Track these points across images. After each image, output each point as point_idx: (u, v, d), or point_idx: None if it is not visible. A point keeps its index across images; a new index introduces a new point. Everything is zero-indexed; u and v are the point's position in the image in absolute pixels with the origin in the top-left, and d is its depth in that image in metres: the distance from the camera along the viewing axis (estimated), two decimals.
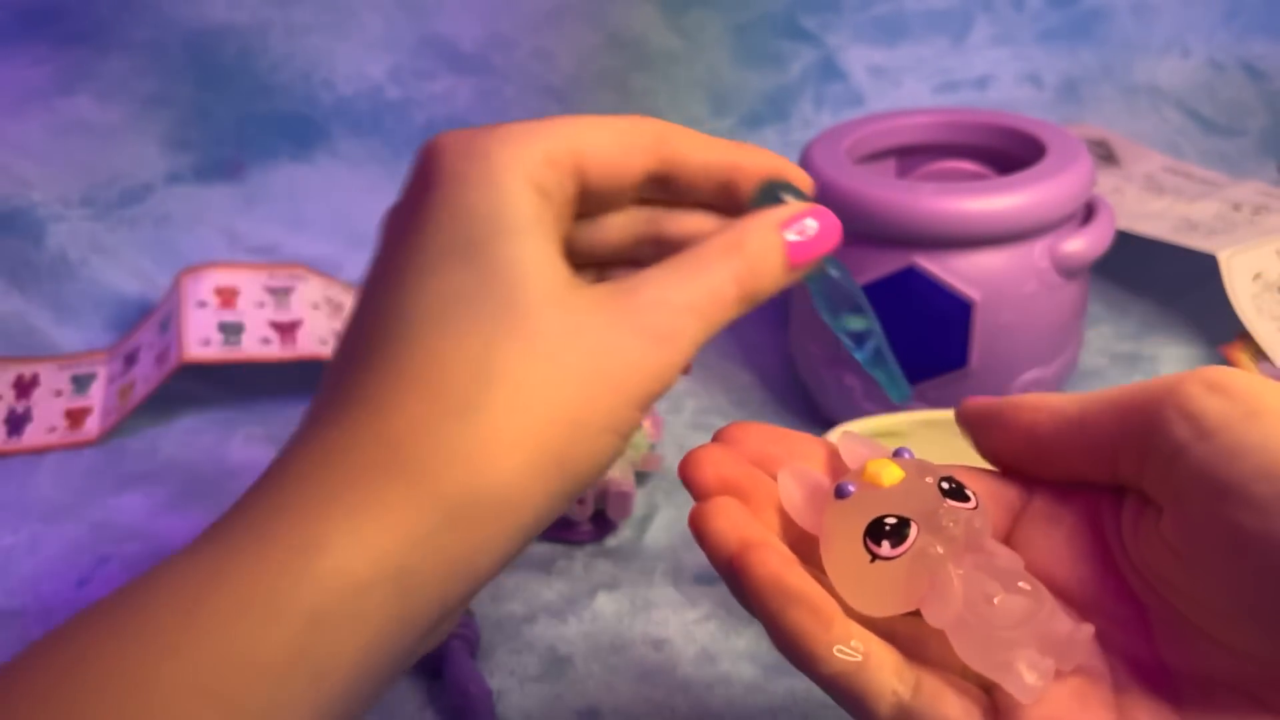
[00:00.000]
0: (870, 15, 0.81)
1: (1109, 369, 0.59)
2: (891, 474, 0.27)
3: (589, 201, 0.31)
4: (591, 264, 0.33)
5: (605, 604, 0.45)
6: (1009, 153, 0.55)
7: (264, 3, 0.71)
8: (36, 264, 0.66)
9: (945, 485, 0.27)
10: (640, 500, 0.51)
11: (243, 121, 0.72)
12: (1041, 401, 0.29)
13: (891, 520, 0.26)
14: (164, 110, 0.70)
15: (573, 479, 0.27)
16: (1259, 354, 0.54)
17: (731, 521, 0.27)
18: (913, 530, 0.26)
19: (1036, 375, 0.52)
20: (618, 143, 0.30)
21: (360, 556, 0.25)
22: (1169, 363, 0.59)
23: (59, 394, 0.61)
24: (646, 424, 0.53)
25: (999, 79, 0.83)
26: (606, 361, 0.27)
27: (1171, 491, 0.26)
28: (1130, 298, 0.66)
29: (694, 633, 0.44)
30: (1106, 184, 0.70)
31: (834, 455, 0.30)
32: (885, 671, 0.26)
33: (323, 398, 0.28)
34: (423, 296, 0.27)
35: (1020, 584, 0.26)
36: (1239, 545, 0.24)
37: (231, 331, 0.59)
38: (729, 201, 0.32)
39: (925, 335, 0.50)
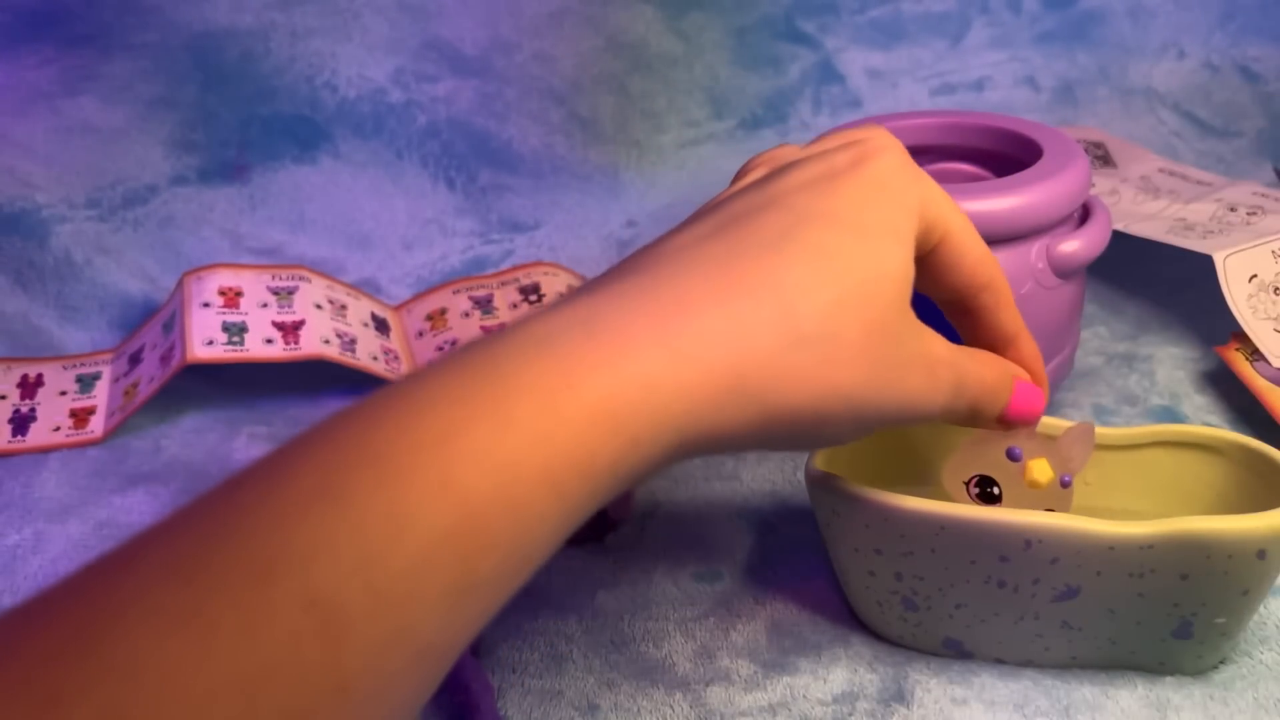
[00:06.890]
0: (868, 18, 0.82)
1: (1105, 369, 0.60)
2: (1042, 470, 0.38)
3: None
4: None
5: (605, 601, 0.46)
6: (1006, 155, 0.55)
7: (267, 6, 0.71)
8: (41, 265, 0.67)
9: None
10: (640, 499, 0.51)
11: (246, 124, 0.72)
12: None
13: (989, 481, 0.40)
14: (168, 112, 0.70)
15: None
16: (1254, 354, 0.55)
17: None
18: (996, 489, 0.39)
19: None
20: (967, 255, 0.35)
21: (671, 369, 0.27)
22: (1165, 363, 0.60)
23: (64, 393, 0.61)
24: None
25: (996, 81, 0.84)
26: (897, 351, 0.31)
27: None
28: (1126, 298, 0.66)
29: (693, 630, 0.44)
30: (1103, 185, 0.70)
31: None
32: None
33: (627, 266, 0.31)
34: (801, 211, 0.31)
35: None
36: None
37: (235, 332, 0.59)
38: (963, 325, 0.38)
39: None
